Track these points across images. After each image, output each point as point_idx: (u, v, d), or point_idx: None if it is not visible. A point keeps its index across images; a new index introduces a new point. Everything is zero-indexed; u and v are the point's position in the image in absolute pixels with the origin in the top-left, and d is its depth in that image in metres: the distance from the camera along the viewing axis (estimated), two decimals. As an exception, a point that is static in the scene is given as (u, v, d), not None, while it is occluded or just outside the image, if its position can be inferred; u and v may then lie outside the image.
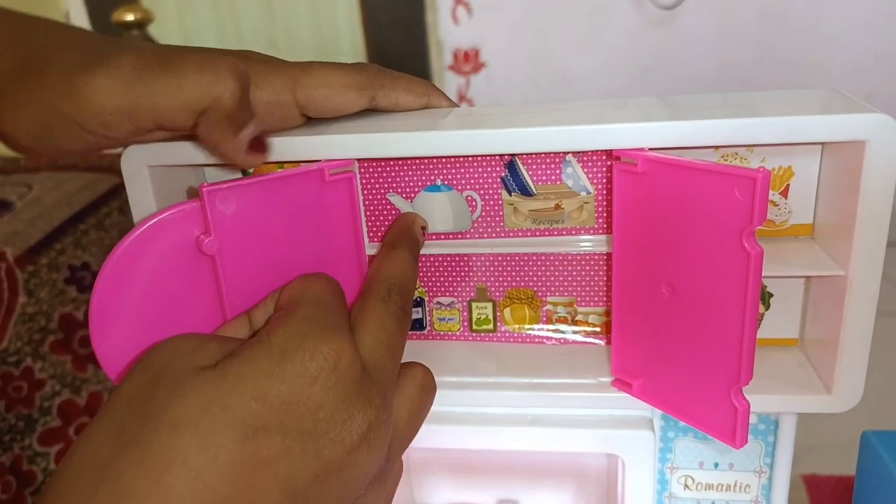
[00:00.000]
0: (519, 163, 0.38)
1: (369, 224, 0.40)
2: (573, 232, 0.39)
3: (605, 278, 0.40)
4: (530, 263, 0.41)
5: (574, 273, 0.40)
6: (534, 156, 0.38)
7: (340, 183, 0.36)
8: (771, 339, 0.40)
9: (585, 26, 1.47)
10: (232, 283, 0.31)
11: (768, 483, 0.41)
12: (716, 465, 0.41)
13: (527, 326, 0.42)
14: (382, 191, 0.40)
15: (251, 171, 0.39)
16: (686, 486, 0.42)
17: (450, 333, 0.43)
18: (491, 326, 0.43)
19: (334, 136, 0.35)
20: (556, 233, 0.39)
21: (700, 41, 1.45)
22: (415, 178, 0.39)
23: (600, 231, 0.39)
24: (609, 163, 0.37)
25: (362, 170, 0.39)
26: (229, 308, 0.31)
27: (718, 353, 0.31)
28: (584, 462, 0.47)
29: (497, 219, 0.39)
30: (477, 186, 0.39)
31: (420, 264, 0.41)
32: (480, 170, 0.38)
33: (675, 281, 0.33)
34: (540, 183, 0.38)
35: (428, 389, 0.31)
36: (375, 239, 0.40)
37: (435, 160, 0.39)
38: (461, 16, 1.48)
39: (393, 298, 0.31)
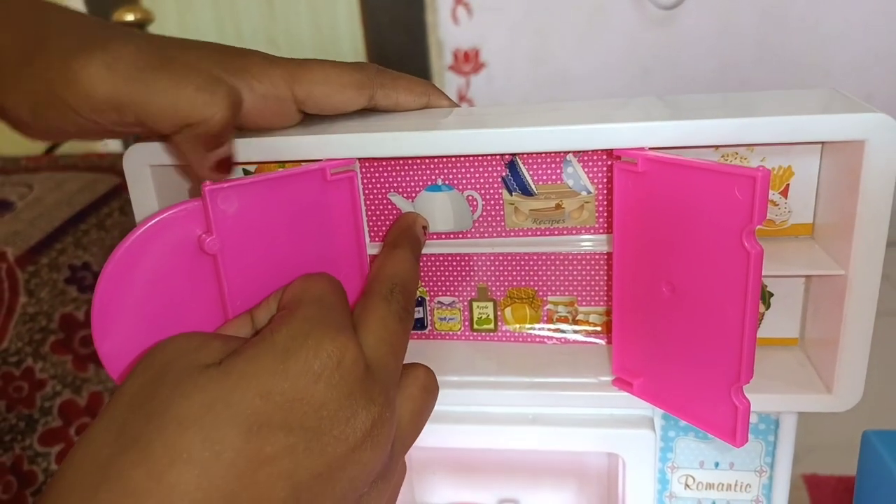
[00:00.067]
0: (519, 162, 0.38)
1: (370, 223, 0.40)
2: (574, 231, 0.39)
3: (605, 278, 0.40)
4: (531, 263, 0.41)
5: (575, 273, 0.41)
6: (534, 155, 0.38)
7: (342, 182, 0.37)
8: (771, 338, 0.40)
9: (585, 26, 1.47)
10: (234, 282, 0.31)
11: (769, 482, 0.41)
12: (716, 464, 0.41)
13: (528, 326, 0.42)
14: (383, 190, 0.40)
15: (253, 170, 0.39)
16: (687, 485, 0.42)
17: (451, 333, 0.43)
18: (492, 326, 0.43)
19: (335, 136, 0.35)
20: (556, 232, 0.39)
21: (700, 41, 1.45)
22: (416, 178, 0.39)
23: (601, 231, 0.39)
24: (609, 162, 0.37)
25: (363, 169, 0.39)
26: (231, 307, 0.31)
27: (719, 352, 0.32)
28: (584, 461, 0.47)
29: (498, 218, 0.39)
30: (478, 186, 0.39)
31: (421, 264, 0.42)
32: (481, 169, 0.38)
33: (676, 280, 0.33)
34: (540, 182, 0.38)
35: (430, 390, 0.31)
36: (377, 238, 0.41)
37: (436, 160, 0.39)
38: (461, 16, 1.48)
39: (395, 297, 0.31)
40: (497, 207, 0.39)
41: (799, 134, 0.32)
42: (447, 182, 0.39)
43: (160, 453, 0.22)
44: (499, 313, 0.42)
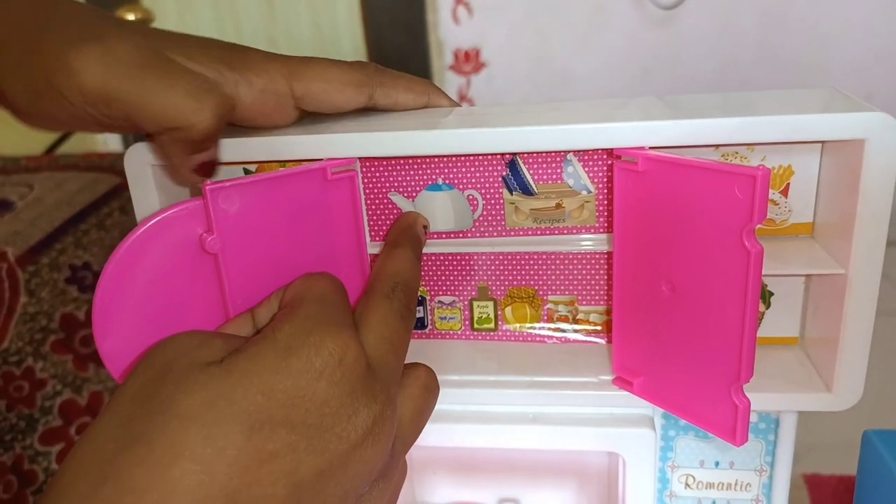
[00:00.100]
0: (520, 162, 0.38)
1: (371, 223, 0.41)
2: (574, 231, 0.39)
3: (605, 277, 0.40)
4: (531, 262, 0.41)
5: (575, 272, 0.41)
6: (535, 155, 0.38)
7: (342, 182, 0.37)
8: (771, 337, 0.40)
9: (586, 26, 1.47)
10: (234, 281, 0.31)
11: (769, 482, 0.41)
12: (716, 463, 0.41)
13: (528, 325, 0.42)
14: (384, 190, 0.40)
15: (254, 169, 0.40)
16: (687, 484, 0.42)
17: (451, 332, 0.43)
18: (492, 325, 0.43)
19: (336, 136, 0.35)
20: (556, 232, 0.39)
21: (700, 41, 1.45)
22: (416, 178, 0.39)
23: (601, 230, 0.39)
24: (610, 162, 0.37)
25: (364, 169, 0.39)
26: (232, 306, 0.32)
27: (719, 350, 0.32)
28: (585, 461, 0.47)
29: (498, 218, 0.39)
30: (478, 185, 0.39)
31: (421, 263, 0.42)
32: (482, 169, 0.38)
33: (676, 279, 0.33)
34: (541, 182, 0.38)
35: (431, 389, 0.31)
36: (377, 238, 0.41)
37: (436, 159, 0.39)
38: (462, 16, 1.48)
39: (397, 296, 0.31)
40: (497, 207, 0.39)
41: (799, 133, 0.32)
42: (448, 181, 0.39)
43: (163, 450, 0.22)
44: (499, 312, 0.42)
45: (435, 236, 0.40)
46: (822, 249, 0.36)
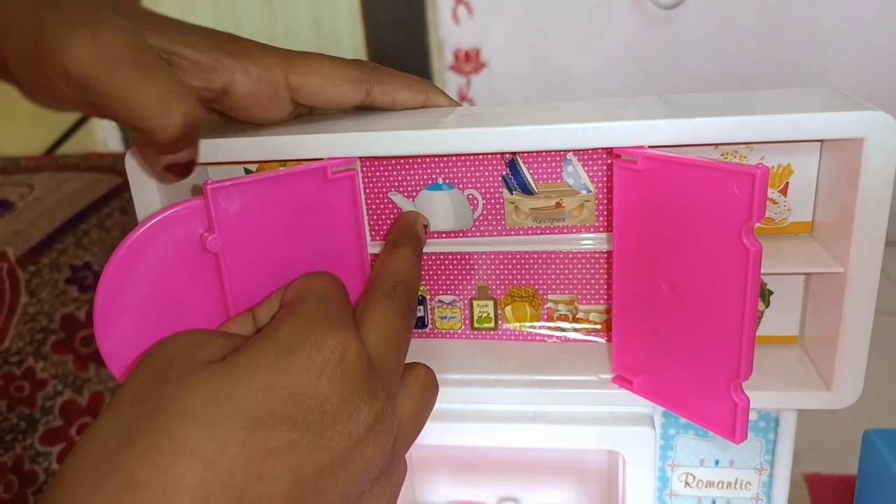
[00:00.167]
0: (520, 161, 0.38)
1: (371, 222, 0.41)
2: (574, 230, 0.39)
3: (605, 276, 0.40)
4: (531, 261, 0.41)
5: (575, 271, 0.41)
6: (535, 154, 0.38)
7: (342, 181, 0.37)
8: (771, 336, 0.40)
9: (586, 26, 1.47)
10: (235, 280, 0.31)
11: (769, 480, 0.41)
12: (716, 462, 0.41)
13: (528, 324, 0.42)
14: (384, 189, 0.40)
15: (254, 169, 0.40)
16: (687, 483, 0.42)
17: (451, 332, 0.43)
18: (492, 324, 0.43)
19: (336, 135, 0.36)
20: (556, 231, 0.39)
21: (700, 41, 1.45)
22: (416, 177, 0.39)
23: (601, 229, 0.39)
24: (609, 161, 0.37)
25: (364, 169, 0.40)
26: (233, 305, 0.32)
27: (718, 348, 0.32)
28: (585, 459, 0.47)
29: (498, 217, 0.40)
30: (478, 185, 0.39)
31: (422, 263, 0.42)
32: (482, 168, 0.39)
33: (676, 278, 0.33)
34: (541, 181, 0.38)
35: (431, 388, 0.31)
36: (377, 237, 0.41)
37: (436, 159, 0.39)
38: (462, 15, 1.48)
39: (397, 295, 0.31)
40: (497, 206, 0.39)
41: (798, 132, 0.32)
42: (448, 181, 0.39)
43: (165, 447, 0.22)
44: (499, 312, 0.42)
45: (435, 236, 0.40)
46: (821, 248, 0.36)
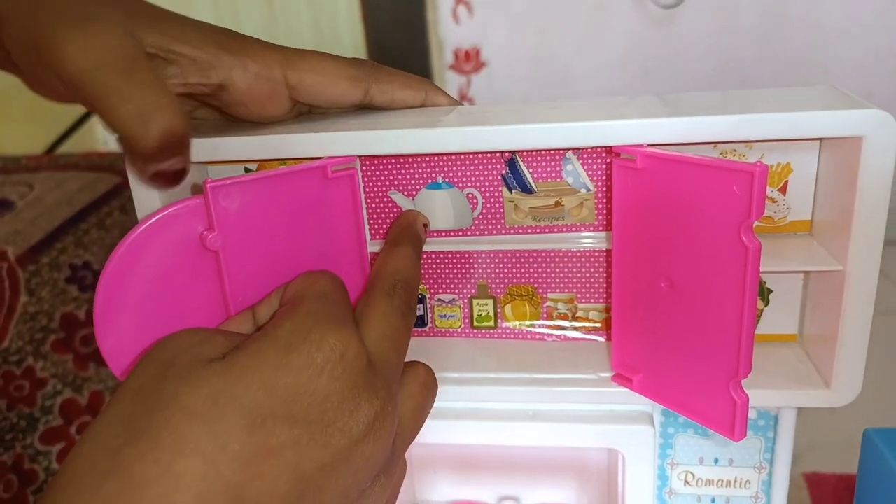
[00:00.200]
0: (519, 160, 0.38)
1: (371, 221, 0.41)
2: (573, 229, 0.39)
3: (605, 275, 0.40)
4: (531, 260, 0.41)
5: (574, 270, 0.41)
6: (534, 153, 0.38)
7: (342, 180, 0.37)
8: (770, 334, 0.40)
9: (586, 25, 1.47)
10: (235, 278, 0.32)
11: (768, 479, 0.41)
12: (716, 460, 0.42)
13: (527, 323, 0.42)
14: (384, 188, 0.40)
15: (255, 168, 0.40)
16: (686, 481, 0.42)
17: (451, 330, 0.43)
18: (492, 323, 0.43)
19: (336, 134, 0.36)
20: (556, 230, 0.39)
21: (701, 40, 1.45)
22: (416, 176, 0.39)
23: (600, 228, 0.39)
24: (609, 160, 0.37)
25: (364, 168, 0.40)
26: (233, 303, 0.32)
27: (717, 346, 0.32)
28: (584, 458, 0.47)
29: (498, 216, 0.40)
30: (478, 184, 0.39)
31: (422, 261, 0.42)
32: (481, 167, 0.39)
33: (675, 276, 0.33)
34: (540, 180, 0.38)
35: (430, 387, 0.31)
36: (377, 236, 0.41)
37: (436, 158, 0.39)
38: (462, 15, 1.48)
39: (397, 294, 0.31)
40: (497, 205, 0.39)
41: (797, 130, 0.32)
42: (447, 180, 0.39)
43: (166, 445, 0.22)
44: (499, 310, 0.42)
45: (435, 234, 0.40)
46: (820, 246, 0.36)
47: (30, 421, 0.83)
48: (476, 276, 0.42)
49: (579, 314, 0.42)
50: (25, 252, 0.88)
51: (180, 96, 0.37)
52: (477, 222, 0.40)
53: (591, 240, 0.39)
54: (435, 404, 0.32)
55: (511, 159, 0.38)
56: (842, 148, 0.33)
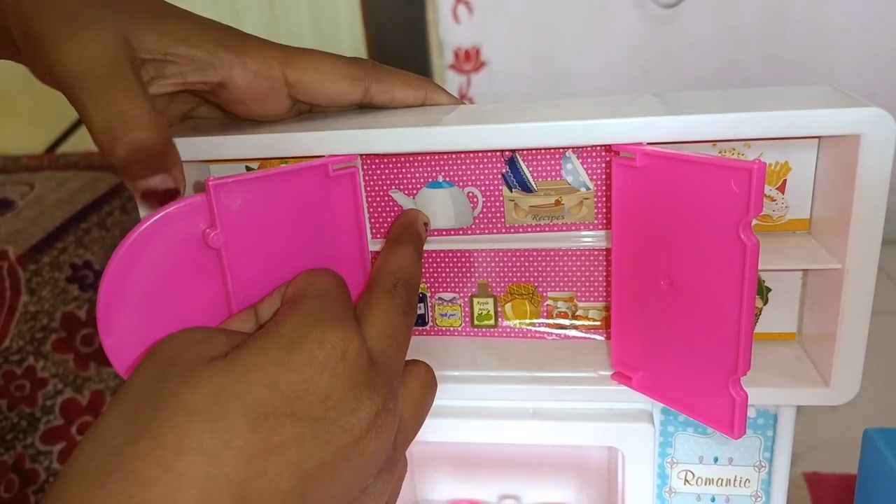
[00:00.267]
0: (519, 159, 0.38)
1: (372, 220, 0.41)
2: (573, 228, 0.39)
3: (604, 274, 0.40)
4: (531, 259, 0.41)
5: (574, 268, 0.41)
6: (534, 152, 0.38)
7: (343, 178, 0.37)
8: (769, 333, 0.40)
9: (586, 25, 1.47)
10: (238, 276, 0.32)
11: (768, 478, 0.41)
12: (715, 459, 0.42)
13: (528, 321, 0.42)
14: (385, 187, 0.40)
15: (256, 167, 0.40)
16: (686, 480, 0.42)
17: (451, 329, 0.44)
18: (492, 322, 0.43)
19: (337, 132, 0.36)
20: (556, 228, 0.39)
21: (701, 40, 1.45)
22: (417, 175, 0.39)
23: (600, 227, 0.39)
24: (608, 159, 0.37)
25: (365, 167, 0.40)
26: (235, 301, 0.32)
27: (716, 344, 0.32)
28: (584, 456, 0.47)
29: (498, 215, 0.40)
30: (478, 183, 0.39)
31: (422, 260, 0.42)
32: (481, 166, 0.39)
33: (674, 274, 0.33)
34: (540, 179, 0.38)
35: (430, 385, 0.32)
36: (378, 235, 0.41)
37: (437, 157, 0.39)
38: (462, 14, 1.48)
39: (398, 292, 0.31)
40: (497, 204, 0.39)
41: (795, 129, 0.32)
42: (448, 179, 0.39)
43: (169, 442, 0.22)
44: (499, 309, 0.43)
45: (435, 233, 0.41)
46: (818, 245, 0.36)
47: (31, 421, 0.83)
48: (476, 274, 0.42)
49: (579, 313, 0.42)
50: (26, 251, 0.88)
51: (181, 94, 0.37)
52: (477, 221, 0.40)
53: (590, 238, 0.39)
54: (435, 402, 0.32)
55: (511, 158, 0.38)
56: (840, 146, 0.33)
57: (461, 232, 0.40)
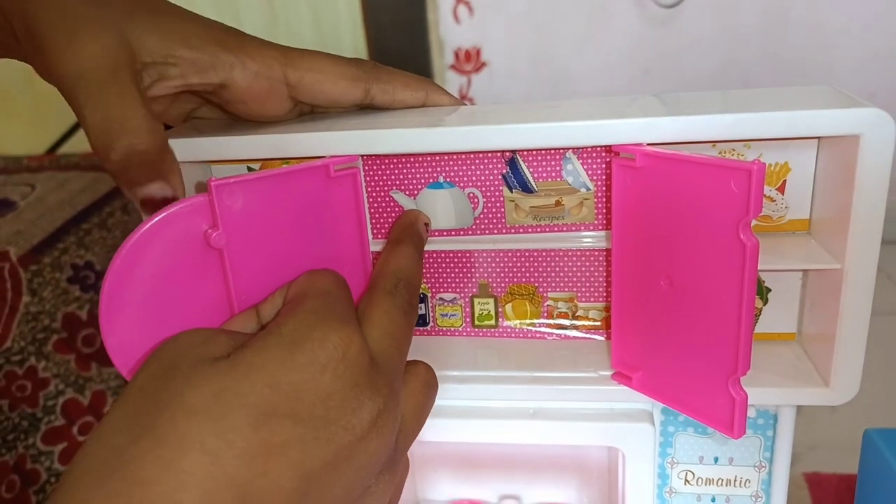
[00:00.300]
0: (520, 160, 0.38)
1: (373, 221, 0.41)
2: (573, 228, 0.39)
3: (605, 274, 0.41)
4: (531, 259, 0.41)
5: (574, 269, 0.41)
6: (534, 153, 0.38)
7: (345, 179, 0.37)
8: (769, 333, 0.40)
9: (586, 25, 1.47)
10: (239, 276, 0.32)
11: (768, 478, 0.41)
12: (716, 459, 0.42)
13: (528, 322, 0.43)
14: (386, 188, 0.40)
15: (258, 167, 0.40)
16: (686, 480, 0.42)
17: (452, 329, 0.44)
18: (493, 322, 0.43)
19: (339, 133, 0.36)
20: (556, 229, 0.40)
21: (701, 40, 1.46)
22: (418, 176, 0.40)
23: (600, 227, 0.39)
24: (608, 159, 0.37)
25: (366, 167, 0.40)
26: (237, 301, 0.32)
27: (716, 344, 0.32)
28: (585, 456, 0.47)
29: (498, 215, 0.40)
30: (479, 183, 0.39)
31: (423, 260, 0.42)
32: (482, 167, 0.39)
33: (674, 274, 0.33)
34: (540, 180, 0.39)
35: (431, 386, 0.32)
36: (379, 235, 0.41)
37: (437, 157, 0.39)
38: (462, 15, 1.48)
39: (399, 292, 0.31)
40: (498, 204, 0.40)
41: (794, 129, 0.32)
42: (449, 179, 0.39)
43: (171, 443, 0.22)
44: (500, 309, 0.43)
45: (436, 234, 0.41)
46: (818, 245, 0.36)
47: (32, 421, 0.83)
48: (477, 275, 0.42)
49: (579, 313, 0.42)
50: (27, 252, 0.88)
51: (184, 94, 0.37)
52: (478, 222, 0.40)
53: (590, 239, 0.39)
54: (436, 402, 0.32)
55: (512, 159, 0.38)
56: (839, 147, 0.33)
57: (462, 232, 0.41)
